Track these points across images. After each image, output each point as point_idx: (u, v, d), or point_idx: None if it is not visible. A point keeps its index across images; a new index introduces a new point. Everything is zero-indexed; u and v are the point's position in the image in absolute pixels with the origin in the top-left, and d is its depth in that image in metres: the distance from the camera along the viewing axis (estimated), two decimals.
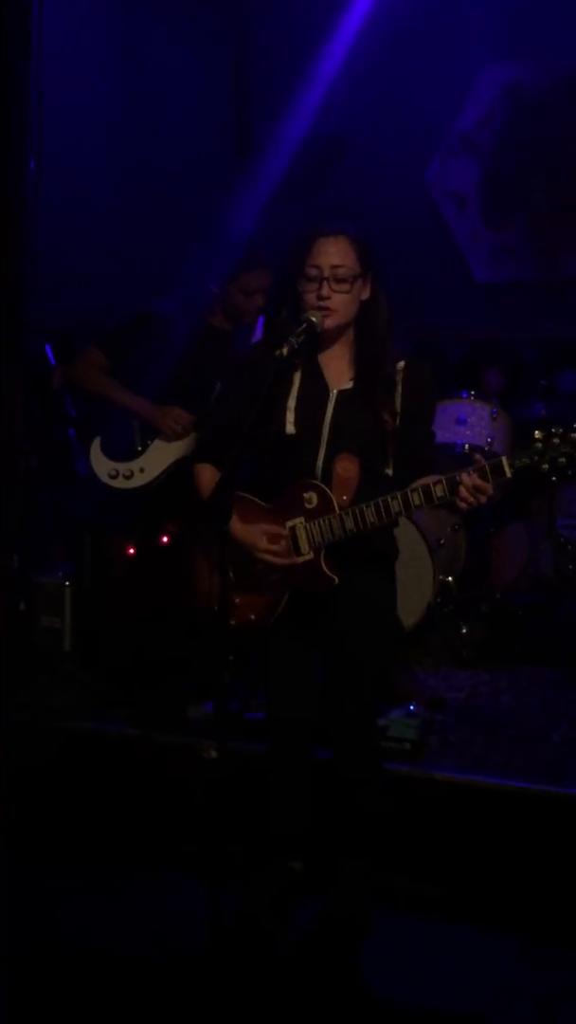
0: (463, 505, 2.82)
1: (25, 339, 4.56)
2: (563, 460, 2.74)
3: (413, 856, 3.39)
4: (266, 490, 3.06)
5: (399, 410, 3.02)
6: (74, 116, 5.51)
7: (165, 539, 4.15)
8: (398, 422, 3.01)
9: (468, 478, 2.79)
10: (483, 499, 2.80)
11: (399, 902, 3.29)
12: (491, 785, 3.49)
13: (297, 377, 3.04)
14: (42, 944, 3.07)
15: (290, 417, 3.01)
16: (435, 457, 3.11)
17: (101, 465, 4.08)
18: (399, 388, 3.03)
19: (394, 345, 3.05)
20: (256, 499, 3.06)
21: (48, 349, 4.97)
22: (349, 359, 3.07)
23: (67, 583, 4.57)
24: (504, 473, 2.77)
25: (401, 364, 3.04)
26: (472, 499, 2.80)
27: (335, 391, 3.04)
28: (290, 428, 3.01)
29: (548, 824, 3.35)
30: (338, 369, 3.06)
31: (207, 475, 3.12)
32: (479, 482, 2.78)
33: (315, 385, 3.04)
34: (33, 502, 4.73)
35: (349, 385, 3.05)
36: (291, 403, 3.01)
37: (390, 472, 3.05)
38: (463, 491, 2.79)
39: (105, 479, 4.08)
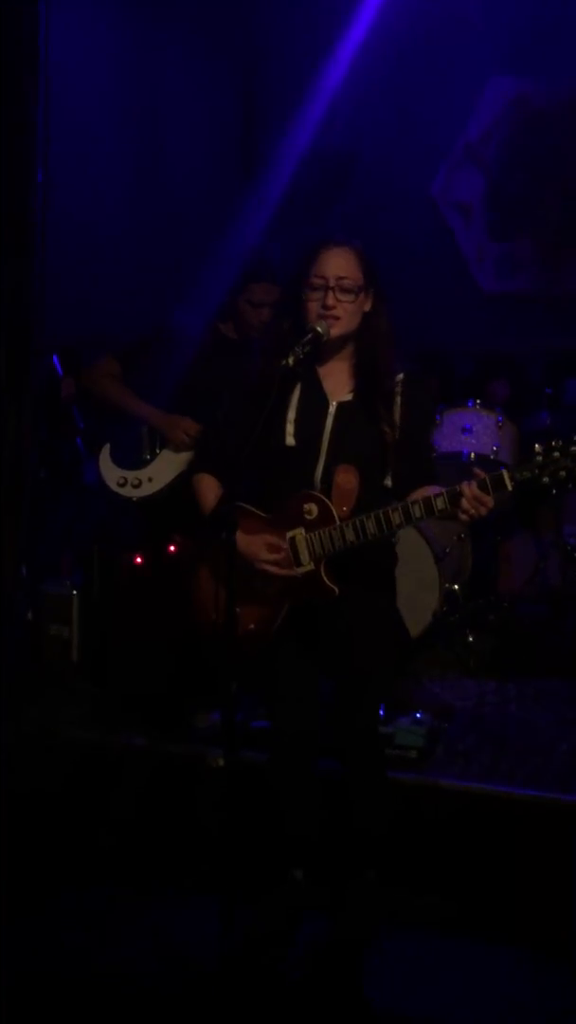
0: (464, 517, 2.83)
1: (38, 353, 4.61)
2: (563, 474, 2.75)
3: (419, 866, 3.38)
4: (265, 501, 3.07)
5: (398, 422, 3.04)
6: (83, 131, 5.56)
7: (172, 548, 4.17)
8: (397, 435, 3.04)
9: (469, 489, 2.80)
10: (484, 511, 2.81)
11: (406, 915, 3.27)
12: (498, 794, 3.48)
13: (297, 389, 3.06)
14: (47, 959, 3.07)
15: (290, 429, 3.02)
16: (434, 470, 3.14)
17: (110, 472, 4.11)
18: (398, 401, 3.06)
19: (393, 359, 3.07)
20: (255, 510, 3.07)
21: (56, 360, 5.00)
22: (348, 371, 3.08)
23: (75, 592, 4.58)
24: (505, 487, 2.79)
25: (400, 377, 3.07)
26: (473, 511, 2.81)
27: (335, 403, 3.05)
28: (290, 440, 3.03)
29: (556, 834, 3.34)
30: (337, 381, 3.08)
31: (208, 486, 3.13)
32: (479, 494, 2.79)
33: (314, 397, 3.05)
34: (41, 513, 4.75)
35: (349, 397, 3.06)
36: (291, 415, 3.03)
37: (388, 484, 3.07)
38: (464, 503, 2.81)
39: (113, 487, 4.10)
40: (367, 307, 3.03)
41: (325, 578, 2.99)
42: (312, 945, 3.10)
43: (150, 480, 4.08)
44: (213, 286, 4.06)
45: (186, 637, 3.85)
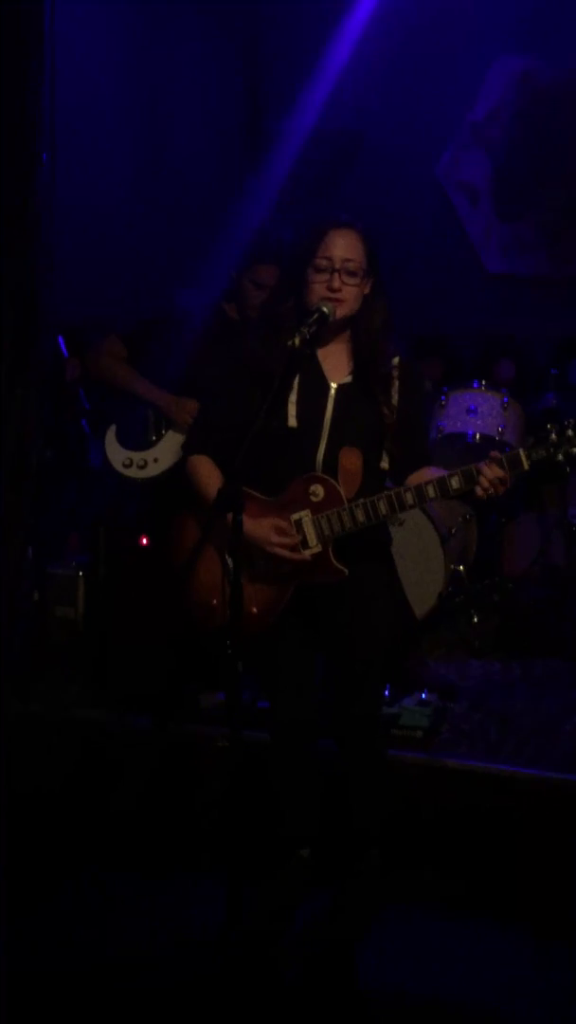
0: (482, 494, 2.87)
1: (44, 333, 4.59)
2: None
3: (424, 846, 3.40)
4: (265, 484, 3.04)
5: (396, 405, 3.05)
6: (87, 111, 5.55)
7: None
8: (395, 417, 3.05)
9: (489, 470, 2.84)
10: (502, 490, 2.87)
11: (410, 894, 3.29)
12: (503, 773, 3.50)
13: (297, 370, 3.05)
14: (54, 940, 3.09)
15: (292, 410, 3.01)
16: (429, 452, 3.20)
17: (116, 453, 4.11)
18: (396, 384, 3.06)
19: (390, 343, 3.08)
20: (257, 493, 3.04)
21: (61, 341, 5.00)
22: (347, 354, 3.08)
23: (80, 574, 4.59)
24: (522, 465, 2.85)
25: (396, 361, 3.08)
26: (492, 490, 2.86)
27: (335, 385, 3.05)
28: (292, 421, 3.02)
29: (560, 814, 3.36)
30: (336, 364, 3.07)
31: (206, 468, 3.08)
32: (501, 473, 2.85)
33: (314, 379, 3.05)
34: (47, 494, 4.75)
35: (348, 380, 3.06)
36: (292, 396, 3.02)
37: (384, 466, 3.08)
38: (484, 481, 2.85)
39: (119, 468, 4.10)
40: (366, 290, 3.03)
41: (333, 560, 3.00)
42: (315, 921, 3.12)
43: (156, 461, 4.08)
44: (218, 267, 4.05)
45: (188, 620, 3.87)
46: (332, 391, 3.04)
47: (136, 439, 4.11)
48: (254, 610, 3.03)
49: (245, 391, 3.00)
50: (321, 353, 3.07)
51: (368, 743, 3.14)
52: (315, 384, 3.04)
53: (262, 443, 2.91)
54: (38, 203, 4.46)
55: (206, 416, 3.26)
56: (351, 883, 3.16)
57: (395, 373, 3.07)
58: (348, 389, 3.05)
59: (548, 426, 2.85)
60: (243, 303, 3.98)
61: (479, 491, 2.87)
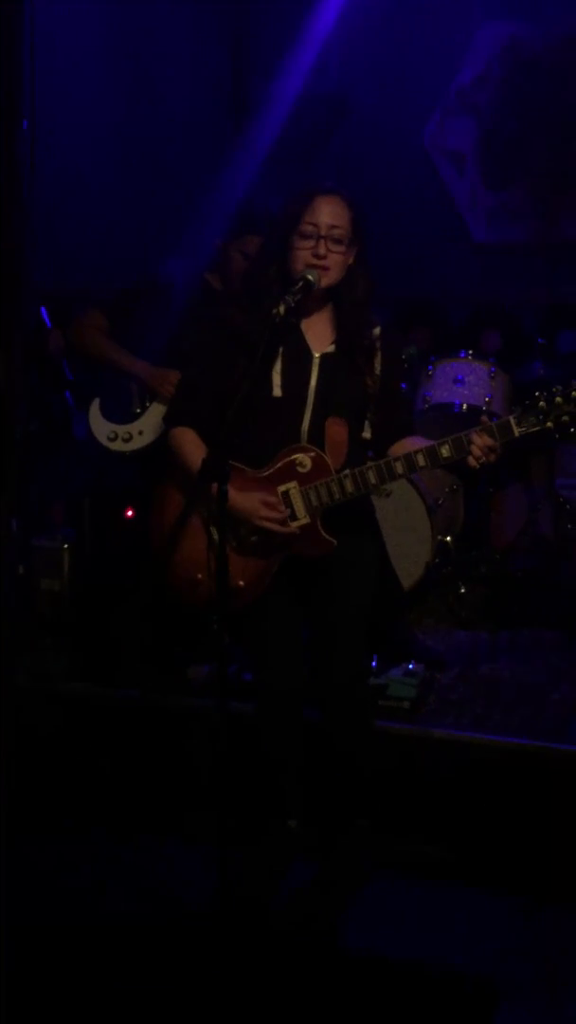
0: (474, 463, 2.86)
1: (26, 303, 4.54)
2: (566, 418, 2.82)
3: (412, 815, 3.41)
4: (250, 455, 3.00)
5: (379, 375, 3.04)
6: (68, 77, 5.47)
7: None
8: (378, 387, 3.03)
9: (480, 438, 2.83)
10: (493, 458, 2.86)
11: (400, 864, 3.31)
12: (491, 743, 3.51)
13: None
14: (45, 910, 3.09)
15: (276, 380, 2.99)
16: (411, 422, 3.19)
17: (100, 427, 4.08)
18: (379, 354, 3.04)
19: (371, 313, 3.06)
20: (242, 466, 3.01)
21: (44, 312, 4.95)
22: (329, 324, 3.06)
23: (66, 546, 4.58)
24: (512, 433, 2.84)
25: (377, 331, 3.06)
26: (484, 458, 2.85)
27: (318, 355, 3.02)
28: (277, 391, 2.99)
29: (548, 781, 3.37)
30: (319, 333, 3.05)
31: (192, 440, 3.04)
32: (491, 442, 2.83)
33: (298, 349, 3.02)
34: (32, 466, 4.72)
35: (331, 349, 3.04)
36: (276, 366, 2.99)
37: (367, 436, 3.07)
38: (476, 450, 2.84)
39: (104, 441, 4.08)
40: (350, 260, 2.99)
41: (322, 531, 2.98)
42: (303, 890, 3.13)
43: (140, 434, 4.05)
44: (202, 235, 4.00)
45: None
46: (316, 360, 3.01)
47: (120, 412, 4.07)
48: (241, 583, 3.01)
49: (228, 361, 2.96)
50: (304, 323, 3.04)
51: (349, 711, 3.13)
52: (299, 354, 3.01)
53: (247, 414, 2.87)
54: (20, 172, 4.40)
55: (188, 386, 3.19)
56: (338, 853, 3.17)
57: (377, 343, 3.04)
58: (331, 358, 3.03)
59: (536, 393, 2.85)
60: (228, 274, 3.93)
61: (471, 460, 2.86)
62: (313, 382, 3.00)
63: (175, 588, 3.11)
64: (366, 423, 3.07)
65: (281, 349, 3.00)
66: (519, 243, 6.66)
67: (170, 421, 3.16)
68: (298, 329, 3.03)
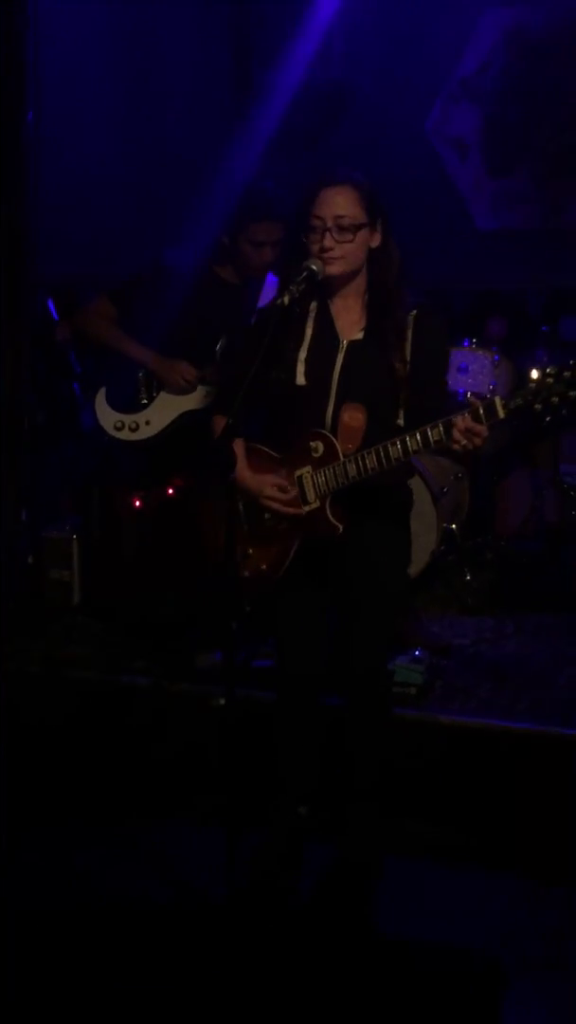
0: (457, 447, 2.82)
1: (32, 294, 4.58)
2: (556, 399, 2.72)
3: (421, 799, 3.44)
4: (278, 441, 3.10)
5: (409, 359, 3.01)
6: (72, 65, 5.48)
7: (170, 491, 4.18)
8: (408, 370, 3.01)
9: (461, 420, 2.79)
10: (478, 441, 2.79)
11: (408, 846, 3.34)
12: (497, 728, 3.53)
13: (309, 328, 3.05)
14: (57, 894, 3.13)
15: (301, 368, 3.02)
16: (446, 408, 3.06)
17: (107, 416, 4.09)
18: (409, 336, 3.03)
19: (406, 295, 3.04)
20: (269, 450, 3.10)
21: (51, 303, 4.96)
22: (360, 309, 3.07)
23: (75, 536, 4.60)
24: (498, 414, 2.77)
25: (413, 313, 3.04)
26: (465, 441, 2.79)
27: (346, 341, 3.04)
28: (300, 379, 3.03)
29: (555, 765, 3.40)
30: (349, 319, 3.07)
31: (220, 427, 3.10)
32: (471, 424, 2.78)
33: (326, 336, 3.05)
34: (40, 457, 4.75)
35: (360, 336, 3.05)
36: (302, 354, 3.03)
37: (401, 423, 3.04)
38: (456, 433, 2.79)
39: (111, 431, 4.09)
40: (375, 243, 3.01)
41: (330, 515, 3.01)
42: (319, 875, 3.15)
43: (147, 423, 4.07)
44: (206, 222, 4.01)
45: (186, 578, 3.89)
46: (343, 347, 3.03)
47: (127, 401, 4.09)
48: (264, 567, 3.05)
49: (248, 348, 3.00)
50: (335, 310, 3.06)
51: (367, 700, 3.14)
52: (327, 341, 3.04)
53: (273, 401, 2.95)
54: (25, 162, 4.43)
55: (223, 376, 3.31)
56: (349, 839, 3.19)
57: (410, 325, 3.02)
58: (359, 345, 3.04)
59: (532, 374, 2.78)
60: (242, 265, 3.92)
61: (452, 444, 2.81)
62: (337, 369, 3.02)
63: (210, 568, 3.16)
64: (399, 410, 3.04)
65: (309, 336, 3.03)
66: (523, 230, 6.65)
67: (211, 410, 3.30)
68: (329, 316, 3.06)
